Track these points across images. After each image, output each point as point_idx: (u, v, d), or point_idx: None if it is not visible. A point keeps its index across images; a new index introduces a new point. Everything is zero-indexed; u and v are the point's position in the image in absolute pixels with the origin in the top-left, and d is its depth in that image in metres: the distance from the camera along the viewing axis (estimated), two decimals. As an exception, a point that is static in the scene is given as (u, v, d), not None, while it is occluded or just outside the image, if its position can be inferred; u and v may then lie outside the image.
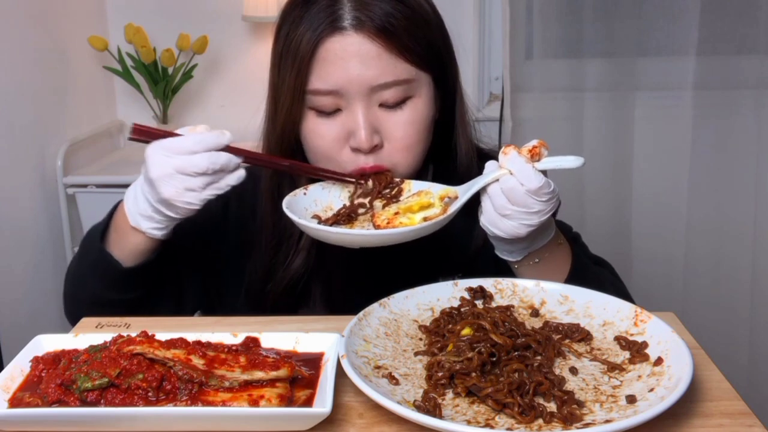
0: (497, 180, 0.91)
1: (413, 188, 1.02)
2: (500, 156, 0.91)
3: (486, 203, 0.93)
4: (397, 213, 0.96)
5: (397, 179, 1.03)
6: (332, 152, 1.01)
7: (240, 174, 0.94)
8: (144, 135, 0.93)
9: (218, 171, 0.92)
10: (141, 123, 0.94)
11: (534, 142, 0.91)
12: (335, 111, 1.00)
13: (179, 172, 0.91)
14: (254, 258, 1.11)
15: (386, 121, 1.01)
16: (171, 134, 0.93)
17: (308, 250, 1.08)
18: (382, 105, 1.00)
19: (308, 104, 1.01)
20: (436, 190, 0.99)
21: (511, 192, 0.89)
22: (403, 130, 1.01)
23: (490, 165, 0.93)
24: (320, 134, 1.01)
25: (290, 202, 0.98)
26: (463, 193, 0.94)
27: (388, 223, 0.95)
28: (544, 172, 0.90)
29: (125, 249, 1.01)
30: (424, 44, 1.01)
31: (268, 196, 1.09)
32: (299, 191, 1.02)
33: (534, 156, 0.90)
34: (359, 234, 0.95)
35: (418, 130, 1.02)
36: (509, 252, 0.99)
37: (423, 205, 0.97)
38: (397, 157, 1.02)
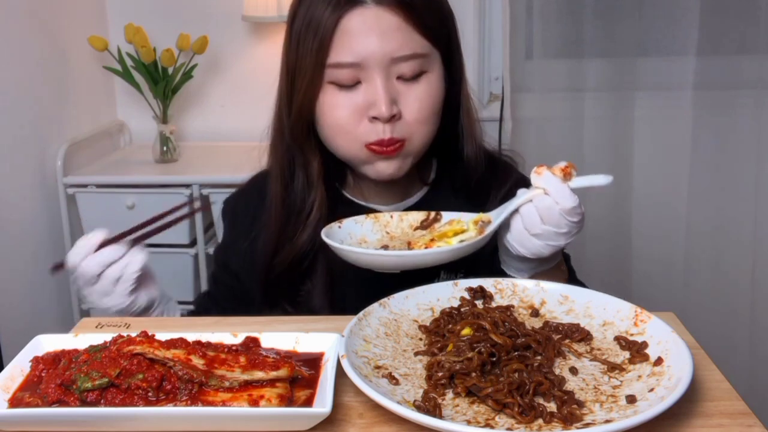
0: (530, 200, 0.93)
1: (444, 219, 1.05)
2: (533, 176, 0.94)
3: (516, 223, 0.96)
4: (432, 240, 0.98)
5: (432, 213, 1.06)
6: (350, 124, 1.04)
7: (142, 256, 1.03)
8: (61, 268, 1.04)
9: (110, 264, 1.01)
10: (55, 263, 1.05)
11: (564, 163, 0.94)
12: (355, 84, 1.03)
13: (83, 288, 1.02)
14: (263, 237, 1.13)
15: (404, 93, 1.04)
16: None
17: (314, 227, 1.10)
18: (399, 78, 1.04)
19: (328, 79, 1.04)
20: (467, 218, 1.01)
21: (547, 211, 0.92)
22: (420, 102, 1.04)
23: (521, 190, 0.96)
24: (340, 106, 1.04)
25: (328, 235, 1.00)
26: (497, 215, 0.97)
27: (426, 247, 0.96)
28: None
29: None
30: (437, 21, 1.06)
31: (277, 176, 1.13)
32: (334, 224, 1.04)
33: (566, 176, 0.93)
34: (397, 255, 0.95)
35: (432, 104, 1.06)
36: (518, 270, 1.01)
37: (457, 231, 0.99)
38: (413, 129, 1.05)
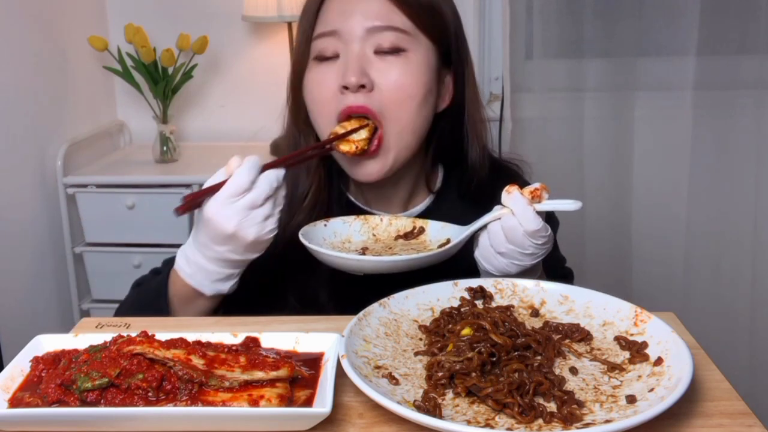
0: (499, 218, 0.95)
1: (430, 228, 1.06)
2: (503, 194, 0.95)
3: (483, 238, 0.98)
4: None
5: (418, 224, 1.07)
6: (327, 99, 1.06)
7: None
8: (191, 204, 0.93)
9: (277, 188, 0.94)
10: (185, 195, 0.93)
11: (536, 185, 0.95)
12: (334, 58, 1.06)
13: (251, 208, 0.92)
14: None
15: (379, 67, 1.05)
16: (213, 187, 0.93)
17: (308, 212, 1.11)
18: (377, 52, 1.05)
19: (312, 54, 1.08)
20: (451, 230, 1.04)
21: (511, 231, 0.94)
22: (395, 78, 1.05)
23: (497, 207, 0.97)
24: (317, 80, 1.07)
25: (308, 231, 1.01)
26: (466, 230, 1.00)
27: None
28: (543, 214, 0.94)
29: (196, 311, 1.02)
30: (425, 5, 1.07)
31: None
32: (320, 222, 1.06)
33: (535, 198, 0.94)
34: (368, 260, 0.96)
35: (411, 82, 1.05)
36: None
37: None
38: (385, 104, 1.05)
